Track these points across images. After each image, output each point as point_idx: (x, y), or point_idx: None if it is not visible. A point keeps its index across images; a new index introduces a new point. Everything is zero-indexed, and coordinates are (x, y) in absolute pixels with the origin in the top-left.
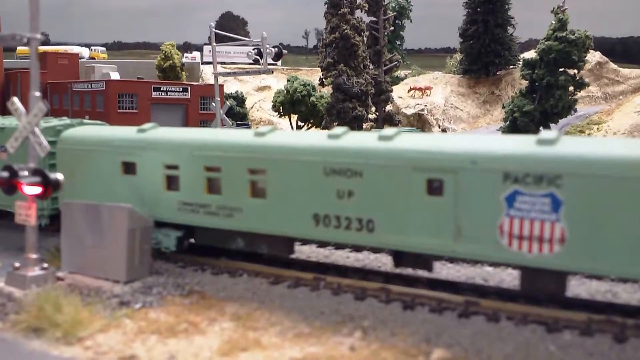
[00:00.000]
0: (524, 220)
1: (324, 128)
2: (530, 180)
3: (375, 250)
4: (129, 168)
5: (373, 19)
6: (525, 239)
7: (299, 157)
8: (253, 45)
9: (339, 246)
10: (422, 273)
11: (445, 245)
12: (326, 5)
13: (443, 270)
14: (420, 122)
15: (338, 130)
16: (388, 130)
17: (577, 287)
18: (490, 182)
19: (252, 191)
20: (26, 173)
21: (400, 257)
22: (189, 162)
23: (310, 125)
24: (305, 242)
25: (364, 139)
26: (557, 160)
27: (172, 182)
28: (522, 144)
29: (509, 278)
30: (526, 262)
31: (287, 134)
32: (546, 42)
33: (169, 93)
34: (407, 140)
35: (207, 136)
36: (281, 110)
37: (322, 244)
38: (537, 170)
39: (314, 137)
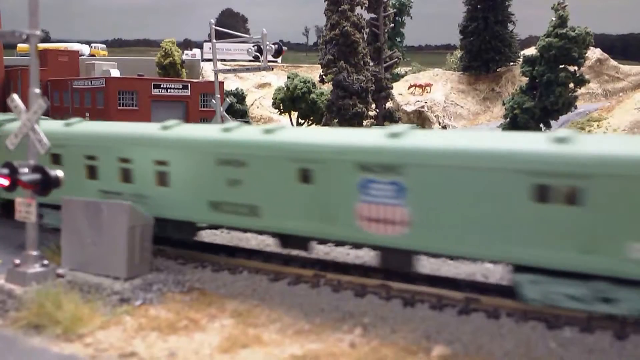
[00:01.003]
0: (375, 205)
1: (324, 125)
2: (379, 170)
3: (261, 233)
4: (55, 159)
5: (373, 15)
6: (377, 221)
7: (196, 149)
8: (253, 42)
9: (338, 243)
10: (422, 271)
11: (316, 227)
12: (326, 2)
13: (443, 267)
14: (420, 119)
15: (232, 124)
16: (273, 125)
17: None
18: (348, 171)
19: (158, 180)
20: (26, 170)
21: (284, 240)
22: (105, 154)
23: (310, 122)
24: (208, 227)
25: (250, 133)
26: (401, 152)
27: (92, 172)
28: (374, 138)
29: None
30: (379, 242)
31: (189, 127)
32: (546, 39)
33: (169, 90)
34: (286, 134)
35: (120, 130)
36: (281, 107)
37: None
38: (384, 160)
39: (210, 131)
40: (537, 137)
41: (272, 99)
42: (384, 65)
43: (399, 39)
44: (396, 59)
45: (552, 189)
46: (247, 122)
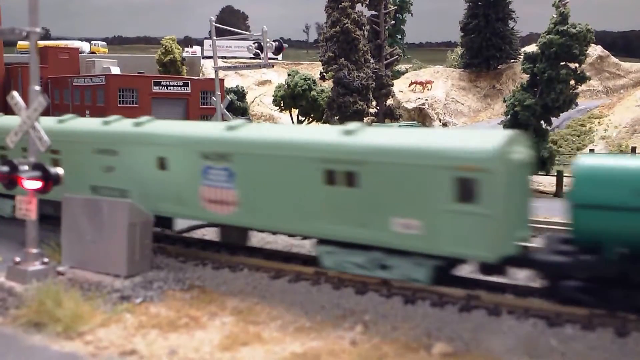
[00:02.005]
0: (213, 188)
1: (324, 122)
2: (216, 158)
3: None
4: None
5: (374, 12)
6: (215, 202)
7: (79, 139)
8: (253, 40)
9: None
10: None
11: (172, 208)
12: None
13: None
14: (421, 117)
15: (112, 117)
16: (142, 119)
17: None
18: (194, 158)
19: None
20: (26, 167)
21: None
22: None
23: (310, 119)
24: None
25: (122, 125)
26: (231, 143)
27: None
28: (214, 130)
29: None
30: (217, 220)
31: (79, 121)
32: (547, 36)
33: (169, 87)
34: (151, 127)
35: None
36: (282, 105)
37: None
38: (219, 150)
39: (91, 124)
40: (330, 130)
41: (273, 96)
42: (385, 62)
43: (399, 36)
44: (397, 56)
45: (337, 174)
46: (248, 120)
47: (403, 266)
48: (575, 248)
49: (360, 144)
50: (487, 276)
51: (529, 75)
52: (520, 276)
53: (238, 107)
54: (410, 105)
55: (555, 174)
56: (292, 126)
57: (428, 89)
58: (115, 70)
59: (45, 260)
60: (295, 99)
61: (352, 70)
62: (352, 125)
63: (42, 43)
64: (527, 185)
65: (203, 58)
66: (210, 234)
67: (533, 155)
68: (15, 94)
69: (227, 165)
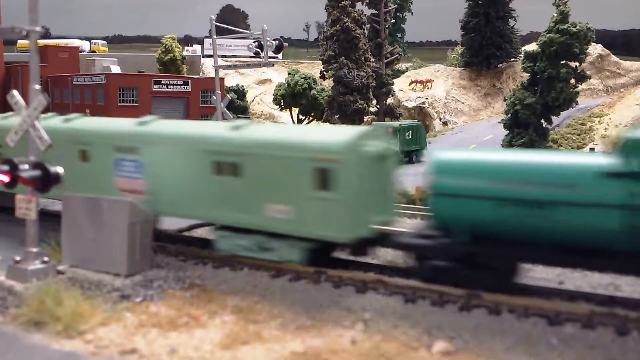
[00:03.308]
0: (125, 178)
1: (324, 121)
2: (127, 150)
3: None
4: None
5: (374, 11)
6: (127, 191)
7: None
8: (254, 38)
9: None
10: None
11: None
12: None
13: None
14: (421, 115)
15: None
16: (73, 115)
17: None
18: (108, 152)
19: None
20: (26, 166)
21: None
22: None
23: (311, 118)
24: None
25: (53, 122)
26: (139, 136)
27: None
28: (126, 126)
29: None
30: None
31: (12, 119)
32: (548, 35)
33: (169, 86)
34: (77, 123)
35: None
36: (282, 104)
37: None
38: (129, 143)
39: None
40: (220, 126)
41: (273, 95)
42: (385, 61)
43: (399, 35)
44: (397, 55)
45: (223, 165)
46: (248, 119)
47: (280, 248)
48: (438, 232)
49: (242, 139)
50: (357, 257)
51: (529, 74)
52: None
53: (238, 105)
54: (410, 104)
55: None
56: (191, 123)
57: (428, 88)
58: (116, 69)
59: (46, 259)
60: (296, 98)
61: (353, 69)
62: (239, 121)
63: (42, 42)
64: (387, 174)
65: (203, 57)
66: (210, 234)
67: (393, 149)
68: (15, 92)
69: (136, 157)
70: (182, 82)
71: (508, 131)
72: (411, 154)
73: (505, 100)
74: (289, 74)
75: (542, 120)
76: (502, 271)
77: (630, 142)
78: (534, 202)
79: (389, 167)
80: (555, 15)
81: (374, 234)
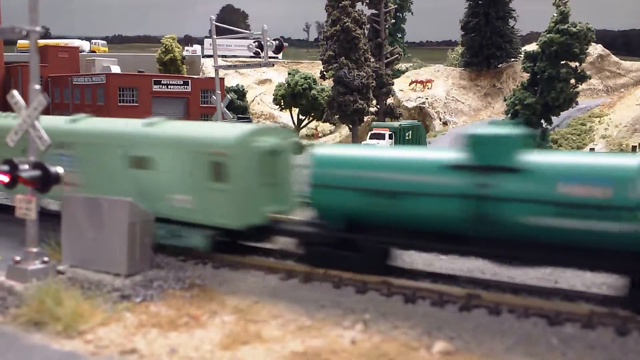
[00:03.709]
0: (67, 171)
1: (324, 121)
2: (64, 146)
3: None
4: None
5: (374, 11)
6: (67, 184)
7: None
8: (254, 38)
9: None
10: (422, 267)
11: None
12: None
13: (443, 264)
14: (421, 115)
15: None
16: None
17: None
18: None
19: None
20: (26, 167)
21: None
22: None
23: (311, 118)
24: None
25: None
26: (73, 134)
27: None
28: (61, 123)
29: (507, 272)
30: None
31: None
32: (548, 35)
33: (169, 86)
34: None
35: None
36: (282, 104)
37: None
38: (65, 140)
39: None
40: (136, 122)
41: (273, 95)
42: (385, 61)
43: (399, 35)
44: (397, 55)
45: (137, 159)
46: (248, 119)
47: (188, 236)
48: (320, 220)
49: (152, 135)
50: (256, 243)
51: (529, 74)
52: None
53: (238, 106)
54: (410, 104)
55: None
56: (115, 120)
57: (428, 88)
58: (116, 69)
59: (46, 259)
60: (296, 98)
61: (353, 69)
62: (152, 119)
63: (42, 42)
64: (282, 168)
65: (203, 57)
66: None
67: (289, 144)
68: (15, 92)
69: (72, 152)
70: (182, 82)
71: None
72: None
73: (505, 100)
74: (289, 74)
75: (543, 120)
76: (374, 255)
77: (471, 138)
78: (390, 193)
79: (284, 161)
80: (556, 15)
81: (267, 222)
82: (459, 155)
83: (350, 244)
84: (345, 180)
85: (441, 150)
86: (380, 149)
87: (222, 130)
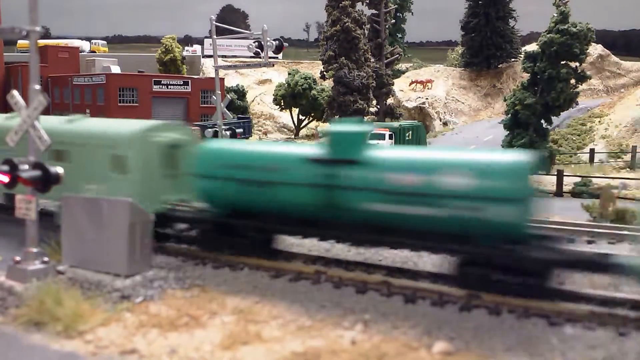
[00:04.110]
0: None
1: (325, 121)
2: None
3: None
4: None
5: (374, 11)
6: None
7: None
8: (254, 38)
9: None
10: (423, 267)
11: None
12: None
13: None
14: (421, 115)
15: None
16: None
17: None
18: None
19: None
20: (26, 167)
21: None
22: None
23: (311, 118)
24: None
25: None
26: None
27: None
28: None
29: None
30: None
31: None
32: (548, 35)
33: (169, 86)
34: None
35: None
36: (282, 104)
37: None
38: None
39: None
40: (59, 119)
41: (273, 95)
42: (385, 61)
43: (400, 35)
44: (397, 55)
45: (59, 152)
46: (248, 119)
47: None
48: (211, 208)
49: (70, 131)
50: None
51: (529, 74)
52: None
53: (238, 106)
54: (410, 104)
55: (556, 173)
56: (46, 117)
57: (428, 88)
58: (116, 69)
59: (45, 259)
60: (296, 98)
61: (353, 69)
62: (74, 116)
63: (42, 42)
64: (182, 160)
65: (203, 57)
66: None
67: (189, 139)
68: (15, 92)
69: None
70: (182, 83)
71: (508, 131)
72: None
73: (505, 100)
74: (289, 74)
75: (542, 121)
76: (257, 239)
77: (327, 134)
78: (260, 183)
79: (185, 154)
80: (556, 15)
81: (166, 209)
82: (320, 150)
83: (238, 229)
84: (225, 172)
85: (308, 146)
86: (256, 144)
87: (124, 126)
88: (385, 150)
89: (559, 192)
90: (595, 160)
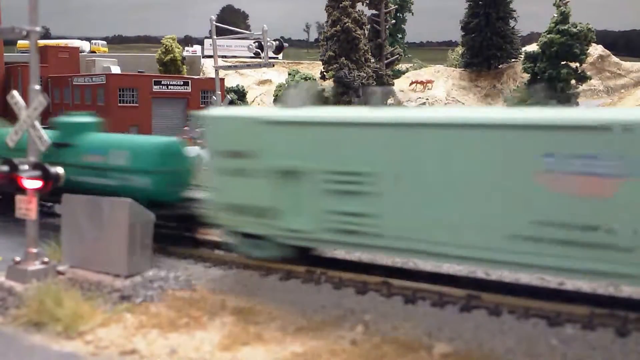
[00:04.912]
0: None
1: None
2: None
3: None
4: None
5: (374, 12)
6: None
7: None
8: (254, 39)
9: None
10: (423, 267)
11: None
12: None
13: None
14: None
15: None
16: None
17: None
18: None
19: None
20: (26, 167)
21: None
22: None
23: None
24: None
25: None
26: None
27: None
28: None
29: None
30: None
31: None
32: (548, 35)
33: (169, 87)
34: None
35: None
36: None
37: None
38: None
39: None
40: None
41: (273, 95)
42: (385, 61)
43: (400, 36)
44: (397, 56)
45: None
46: None
47: None
48: None
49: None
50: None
51: (529, 75)
52: None
53: (238, 106)
54: (410, 105)
55: None
56: None
57: (429, 89)
58: (116, 69)
59: (46, 259)
60: None
61: (353, 70)
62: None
63: (42, 42)
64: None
65: (203, 57)
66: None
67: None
68: (15, 93)
69: None
70: (182, 83)
71: None
72: None
73: (505, 101)
74: (289, 74)
75: None
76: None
77: (59, 123)
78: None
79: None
80: (556, 15)
81: None
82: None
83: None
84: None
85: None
86: None
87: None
88: (102, 136)
89: None
90: None
